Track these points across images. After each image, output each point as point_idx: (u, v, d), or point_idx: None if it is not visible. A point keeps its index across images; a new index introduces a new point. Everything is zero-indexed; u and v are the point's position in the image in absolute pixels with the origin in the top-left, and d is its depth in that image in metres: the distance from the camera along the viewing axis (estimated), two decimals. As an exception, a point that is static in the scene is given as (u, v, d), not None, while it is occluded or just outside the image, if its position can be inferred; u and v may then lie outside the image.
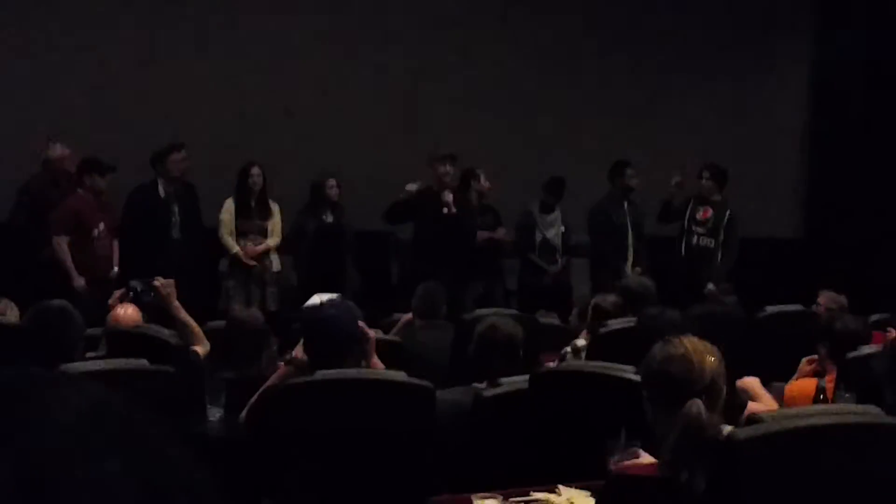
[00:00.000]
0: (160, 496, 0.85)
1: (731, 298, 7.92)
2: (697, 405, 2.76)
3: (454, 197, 9.15)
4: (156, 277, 5.70)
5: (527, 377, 4.57)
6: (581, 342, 6.21)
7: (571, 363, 5.71)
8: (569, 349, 6.17)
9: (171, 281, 5.70)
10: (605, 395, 4.37)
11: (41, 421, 0.84)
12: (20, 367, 0.89)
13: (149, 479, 0.84)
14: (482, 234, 9.42)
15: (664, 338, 3.07)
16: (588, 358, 5.74)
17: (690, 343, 2.96)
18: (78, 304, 5.33)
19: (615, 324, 6.45)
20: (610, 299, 7.49)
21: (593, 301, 7.05)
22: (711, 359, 2.93)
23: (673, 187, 9.46)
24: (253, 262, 8.84)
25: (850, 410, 3.39)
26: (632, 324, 6.42)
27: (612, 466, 3.20)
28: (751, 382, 4.54)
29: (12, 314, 6.10)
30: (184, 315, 5.59)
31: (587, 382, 4.47)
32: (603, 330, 6.33)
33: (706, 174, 9.47)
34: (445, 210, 9.12)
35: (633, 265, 9.64)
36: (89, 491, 0.81)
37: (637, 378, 4.22)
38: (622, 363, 4.42)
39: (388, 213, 9.16)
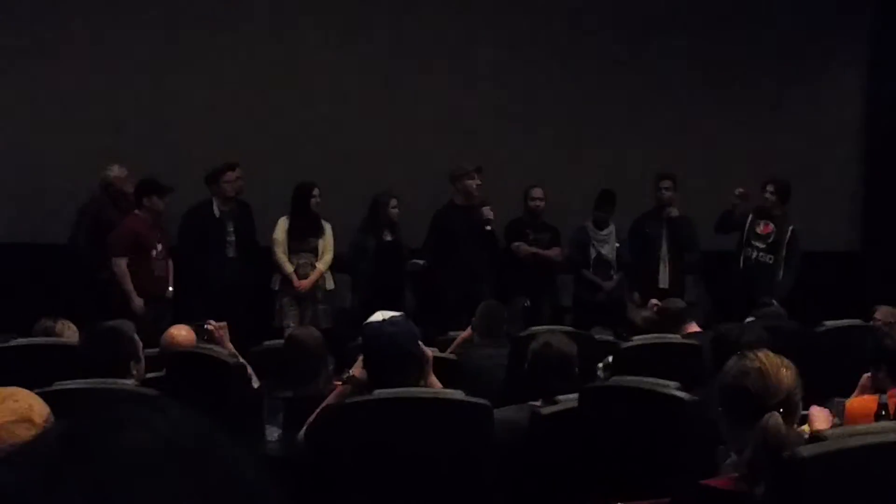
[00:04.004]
0: None
1: (774, 308, 7.81)
2: (776, 418, 2.74)
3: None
4: (207, 321, 5.77)
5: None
6: (611, 357, 6.21)
7: (620, 378, 5.69)
8: (601, 364, 6.16)
9: (224, 324, 5.77)
10: (655, 411, 4.35)
11: (115, 442, 0.84)
12: (108, 388, 0.90)
13: None
14: (527, 250, 9.37)
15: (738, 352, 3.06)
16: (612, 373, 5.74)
17: (766, 356, 2.95)
18: (137, 325, 5.39)
19: (640, 339, 6.47)
20: (642, 314, 7.48)
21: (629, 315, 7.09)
22: (787, 372, 2.91)
23: (736, 198, 9.26)
24: (305, 285, 8.87)
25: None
26: (657, 340, 6.45)
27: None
28: (822, 420, 4.48)
29: (71, 335, 6.16)
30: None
31: (636, 398, 4.45)
32: (626, 345, 6.34)
33: (770, 188, 9.23)
34: (489, 227, 9.10)
35: (670, 280, 9.50)
36: None
37: (681, 395, 4.21)
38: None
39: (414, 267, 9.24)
